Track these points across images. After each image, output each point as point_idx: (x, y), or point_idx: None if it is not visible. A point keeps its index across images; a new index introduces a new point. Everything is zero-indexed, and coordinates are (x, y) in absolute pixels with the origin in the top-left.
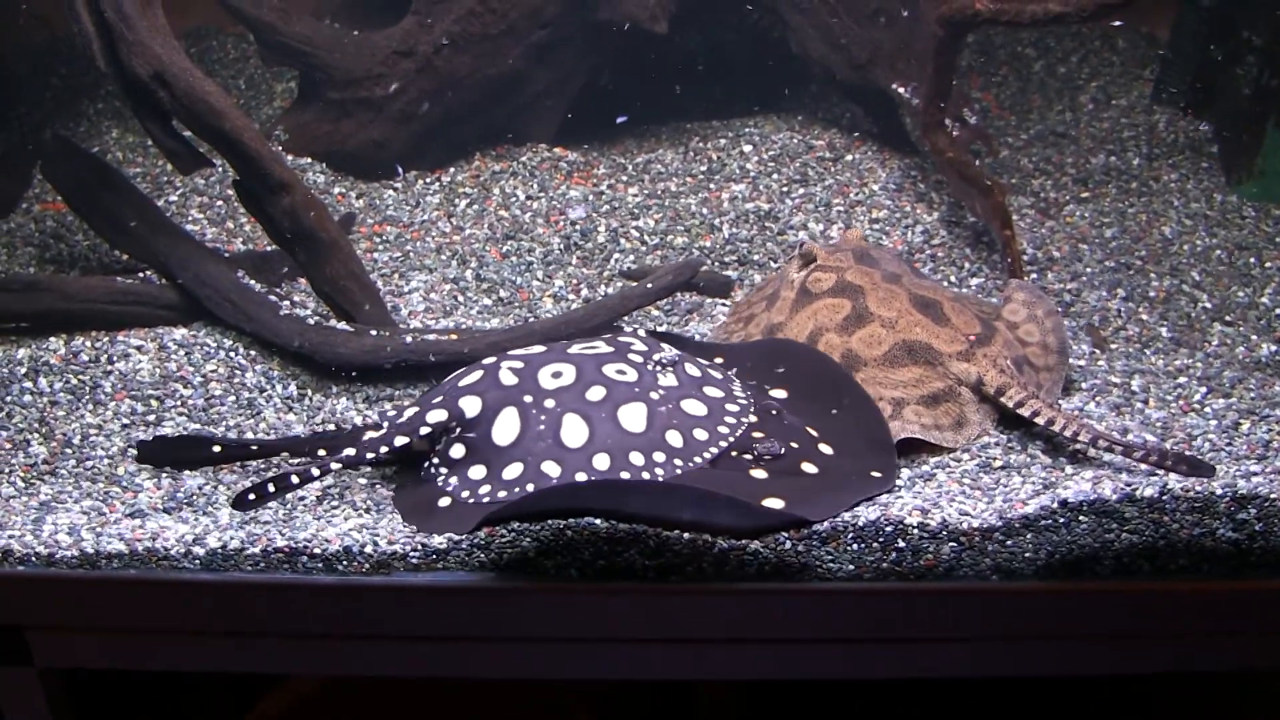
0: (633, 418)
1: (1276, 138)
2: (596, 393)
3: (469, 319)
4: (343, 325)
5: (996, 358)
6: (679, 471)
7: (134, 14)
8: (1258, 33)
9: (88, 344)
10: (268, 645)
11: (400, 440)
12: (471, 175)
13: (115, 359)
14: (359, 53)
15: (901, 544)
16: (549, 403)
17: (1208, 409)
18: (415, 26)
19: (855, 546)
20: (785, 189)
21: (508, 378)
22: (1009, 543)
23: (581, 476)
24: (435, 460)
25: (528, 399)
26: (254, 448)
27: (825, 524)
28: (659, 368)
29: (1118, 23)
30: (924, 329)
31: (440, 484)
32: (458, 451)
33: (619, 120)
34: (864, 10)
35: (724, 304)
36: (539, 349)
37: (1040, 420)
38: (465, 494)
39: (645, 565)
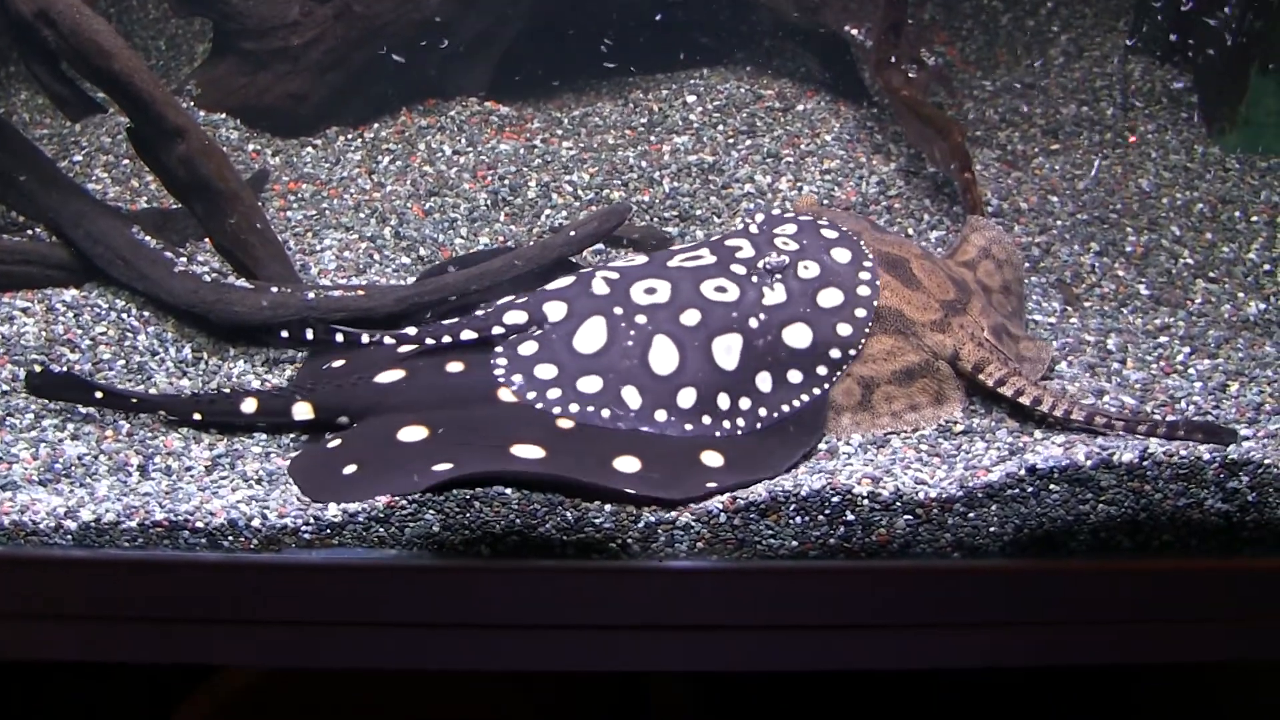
0: (726, 352)
1: (1261, 84)
2: (691, 316)
3: (385, 278)
4: (242, 282)
5: (974, 329)
6: (759, 426)
7: None
8: None
9: None
10: (143, 631)
11: (468, 335)
12: (396, 131)
13: None
14: None
15: (850, 517)
16: (640, 319)
17: (1191, 370)
18: None
19: (798, 520)
20: (731, 140)
21: (600, 287)
22: (971, 515)
23: (662, 414)
24: (499, 351)
25: (618, 310)
26: (133, 400)
27: (764, 493)
28: (765, 277)
29: None
30: (892, 292)
31: (498, 376)
32: (528, 348)
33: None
34: None
35: None
36: (639, 260)
37: (1025, 400)
38: (531, 394)
39: (563, 541)
